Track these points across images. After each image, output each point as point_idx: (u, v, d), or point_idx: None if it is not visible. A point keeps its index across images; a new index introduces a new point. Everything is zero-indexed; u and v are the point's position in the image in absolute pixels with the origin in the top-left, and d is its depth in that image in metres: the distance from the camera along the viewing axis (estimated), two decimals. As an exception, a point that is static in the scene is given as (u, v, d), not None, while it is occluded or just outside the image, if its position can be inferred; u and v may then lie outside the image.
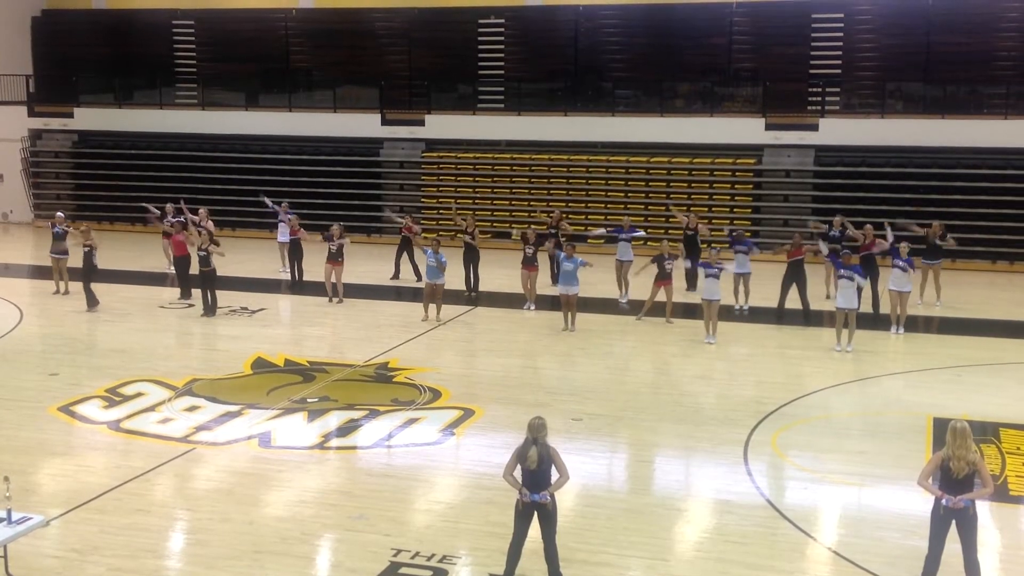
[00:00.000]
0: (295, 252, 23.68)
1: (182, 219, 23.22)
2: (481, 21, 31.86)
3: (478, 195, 29.88)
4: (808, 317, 20.15)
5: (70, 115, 33.49)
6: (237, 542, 10.76)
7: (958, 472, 9.20)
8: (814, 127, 27.96)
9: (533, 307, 21.25)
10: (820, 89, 29.06)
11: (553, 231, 23.24)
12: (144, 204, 26.53)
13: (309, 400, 15.54)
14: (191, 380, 16.42)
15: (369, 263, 25.33)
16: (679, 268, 20.85)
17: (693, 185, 28.64)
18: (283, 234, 24.43)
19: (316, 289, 22.68)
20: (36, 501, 11.49)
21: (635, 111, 29.99)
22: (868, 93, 29.24)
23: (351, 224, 27.14)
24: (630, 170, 29.08)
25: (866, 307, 20.18)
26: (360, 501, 11.83)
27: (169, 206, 25.23)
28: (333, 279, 21.92)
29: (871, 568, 10.20)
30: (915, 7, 28.73)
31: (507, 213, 29.16)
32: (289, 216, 24.26)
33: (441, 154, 30.54)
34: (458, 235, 23.91)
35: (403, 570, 10.13)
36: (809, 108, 29.01)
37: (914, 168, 27.08)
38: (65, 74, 34.11)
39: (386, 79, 31.84)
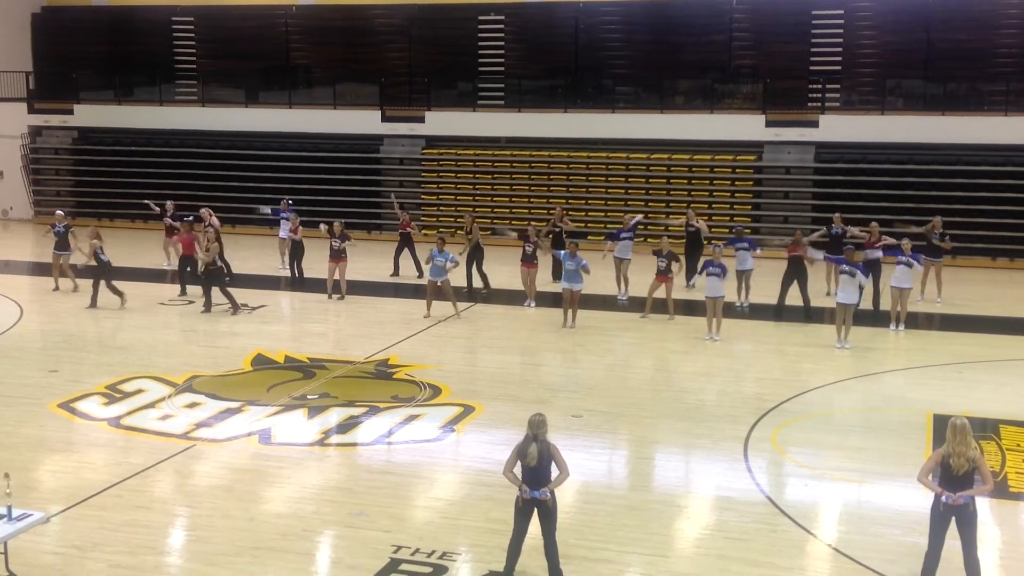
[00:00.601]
0: (295, 251, 23.69)
1: (190, 218, 23.21)
2: (481, 18, 31.85)
3: (478, 192, 29.88)
4: (809, 314, 20.15)
5: (70, 112, 33.48)
6: (237, 538, 10.76)
7: (958, 469, 9.20)
8: (814, 124, 27.97)
9: (533, 304, 21.25)
10: (820, 86, 29.05)
11: (557, 229, 23.17)
12: (145, 201, 26.55)
13: (309, 397, 15.55)
14: (191, 377, 16.42)
15: (369, 260, 25.31)
16: (679, 267, 20.85)
17: (693, 182, 28.66)
18: (284, 231, 24.45)
19: (316, 286, 22.68)
20: (36, 498, 11.48)
21: (635, 108, 29.99)
22: (868, 90, 29.24)
23: (351, 221, 27.11)
24: (630, 167, 29.09)
25: (867, 303, 20.20)
26: (360, 498, 11.83)
27: (169, 203, 25.23)
28: (336, 276, 21.93)
29: (871, 565, 10.20)
30: (915, 4, 28.71)
31: (507, 210, 29.16)
32: (289, 214, 24.26)
33: (441, 151, 30.54)
34: (457, 232, 23.91)
35: (403, 566, 10.13)
36: (809, 105, 28.99)
37: (914, 165, 27.09)
38: (65, 71, 34.12)
39: (386, 76, 31.83)
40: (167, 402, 15.23)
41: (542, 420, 9.53)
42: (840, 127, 27.80)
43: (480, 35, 31.88)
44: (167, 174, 31.68)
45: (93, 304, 21.03)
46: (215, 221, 23.76)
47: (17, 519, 9.36)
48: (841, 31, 29.29)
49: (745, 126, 28.38)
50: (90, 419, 14.60)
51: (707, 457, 13.34)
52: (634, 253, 22.19)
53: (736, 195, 28.48)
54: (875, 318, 19.99)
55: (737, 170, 28.39)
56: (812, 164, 28.01)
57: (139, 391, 15.74)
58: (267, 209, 26.31)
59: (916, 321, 19.55)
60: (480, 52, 31.82)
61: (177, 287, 22.38)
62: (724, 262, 19.03)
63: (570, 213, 26.81)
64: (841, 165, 27.79)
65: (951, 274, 22.71)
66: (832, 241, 22.12)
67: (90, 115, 33.46)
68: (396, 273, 24.36)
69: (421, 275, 23.47)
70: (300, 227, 23.80)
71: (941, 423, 12.34)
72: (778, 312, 20.37)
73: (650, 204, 28.55)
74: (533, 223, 24.23)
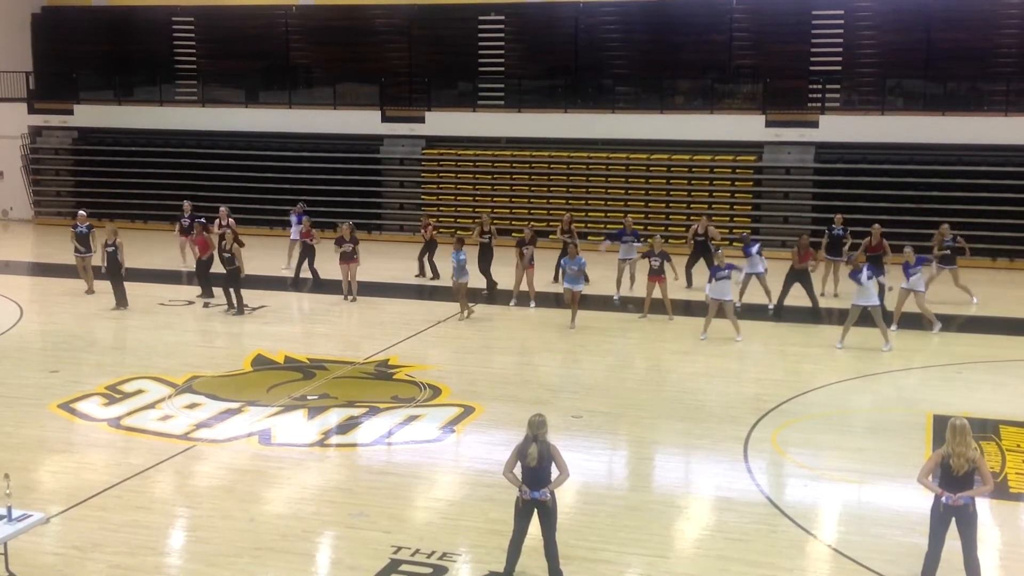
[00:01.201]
0: (305, 253, 23.66)
1: (202, 220, 23.20)
2: (481, 18, 31.84)
3: (478, 192, 29.88)
4: (818, 314, 20.09)
5: (70, 112, 33.47)
6: (237, 539, 10.76)
7: (958, 469, 9.20)
8: (814, 124, 27.95)
9: (534, 304, 21.25)
10: (820, 86, 29.03)
11: (568, 238, 22.80)
12: (201, 219, 25.25)
13: (309, 397, 15.55)
14: (191, 377, 16.42)
15: (370, 260, 25.21)
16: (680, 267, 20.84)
17: (693, 182, 28.64)
18: (295, 232, 24.42)
19: (317, 287, 22.66)
20: (36, 498, 11.49)
21: (635, 108, 29.96)
22: (868, 90, 29.24)
23: (350, 221, 27.03)
24: (630, 167, 29.08)
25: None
26: (360, 498, 11.83)
27: (186, 204, 25.26)
28: (349, 277, 21.93)
29: (871, 565, 10.21)
30: (915, 4, 28.70)
31: (507, 211, 29.15)
32: (303, 217, 24.20)
33: (441, 151, 30.52)
34: (456, 232, 23.88)
35: (403, 567, 10.13)
36: (809, 105, 28.98)
37: (914, 165, 27.07)
38: (65, 71, 34.12)
39: (386, 76, 31.81)
40: (167, 403, 15.24)
41: (542, 421, 9.53)
42: (840, 127, 27.79)
43: (480, 35, 31.87)
44: (167, 174, 31.68)
45: (120, 305, 20.99)
46: (231, 221, 23.78)
47: (17, 520, 9.36)
48: (841, 31, 29.28)
49: (745, 126, 28.36)
50: (90, 420, 14.60)
51: (707, 458, 13.34)
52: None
53: (736, 195, 28.45)
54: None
55: (737, 170, 28.37)
56: (812, 164, 28.00)
57: (139, 392, 15.75)
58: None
59: (916, 322, 19.52)
60: (480, 52, 31.81)
61: (177, 288, 22.35)
62: (732, 263, 19.00)
63: (569, 213, 26.76)
64: (841, 165, 27.78)
65: (950, 275, 22.63)
66: (832, 242, 22.11)
67: (90, 115, 33.45)
68: (422, 274, 24.35)
69: (437, 276, 23.57)
70: (312, 230, 23.69)
71: (941, 424, 12.34)
72: (776, 312, 20.35)
73: (650, 204, 28.55)
74: (532, 223, 24.23)
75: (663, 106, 29.43)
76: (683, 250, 23.41)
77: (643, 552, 10.52)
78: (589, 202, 29.09)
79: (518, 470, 9.53)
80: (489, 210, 26.58)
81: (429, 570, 10.08)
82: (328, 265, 23.05)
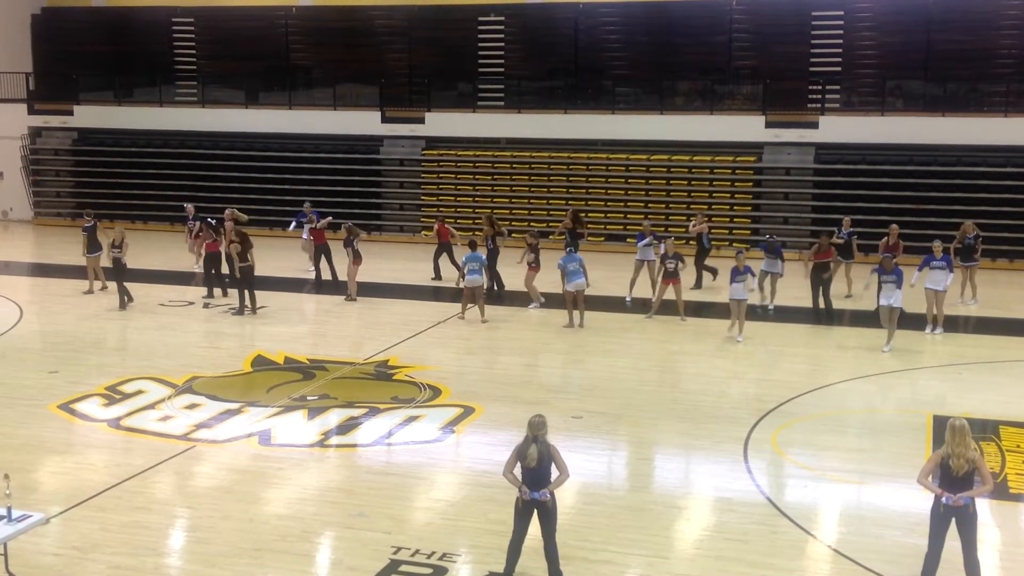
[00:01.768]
0: (320, 252, 23.62)
1: (210, 221, 23.19)
2: (481, 19, 31.84)
3: (478, 193, 29.88)
4: (832, 316, 20.06)
5: (70, 113, 33.48)
6: (237, 540, 10.76)
7: (958, 470, 9.20)
8: (814, 125, 27.95)
9: (537, 305, 21.24)
10: (820, 87, 29.05)
11: (579, 233, 22.70)
12: (210, 219, 25.08)
13: (309, 398, 15.55)
14: (191, 378, 16.42)
15: (369, 261, 25.23)
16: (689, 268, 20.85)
17: (693, 183, 28.65)
18: (306, 232, 24.38)
19: (317, 287, 22.64)
20: (36, 499, 11.48)
21: (635, 109, 29.97)
22: (868, 91, 29.24)
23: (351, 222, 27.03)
24: (630, 168, 29.09)
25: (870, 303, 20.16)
26: (360, 499, 11.83)
27: (190, 206, 25.22)
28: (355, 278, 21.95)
29: (871, 566, 10.21)
30: (915, 4, 28.70)
31: (507, 211, 29.14)
32: (313, 216, 24.16)
33: (441, 152, 30.53)
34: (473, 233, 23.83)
35: (403, 568, 10.13)
36: (809, 106, 28.99)
37: (914, 166, 27.08)
38: (65, 71, 34.12)
39: (386, 77, 31.83)
40: (167, 403, 15.23)
41: (542, 421, 9.54)
42: (840, 128, 27.79)
43: (480, 36, 31.87)
44: (167, 175, 31.71)
45: (127, 301, 20.99)
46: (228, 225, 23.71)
47: (17, 520, 9.35)
48: (841, 32, 29.28)
49: (745, 127, 28.36)
50: (90, 420, 14.60)
51: (707, 458, 13.34)
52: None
53: (736, 196, 28.45)
54: (876, 319, 19.95)
55: (737, 171, 28.37)
56: (812, 165, 28.00)
57: (139, 392, 15.75)
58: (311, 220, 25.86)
59: (916, 322, 19.51)
60: (480, 53, 31.81)
61: (177, 288, 22.34)
62: (750, 265, 19.00)
63: (572, 210, 26.73)
64: (841, 166, 27.77)
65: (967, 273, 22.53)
66: (842, 244, 22.08)
67: (90, 116, 33.46)
68: (438, 277, 24.25)
69: (464, 277, 23.58)
70: (321, 229, 23.64)
71: (941, 424, 12.32)
72: (816, 315, 20.11)
73: (650, 205, 28.55)
74: (533, 223, 24.22)
75: (663, 107, 29.43)
76: (686, 250, 23.38)
77: (643, 552, 10.52)
78: (589, 203, 29.07)
79: (518, 471, 9.53)
80: (489, 211, 26.55)
81: (429, 571, 10.08)
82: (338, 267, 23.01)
